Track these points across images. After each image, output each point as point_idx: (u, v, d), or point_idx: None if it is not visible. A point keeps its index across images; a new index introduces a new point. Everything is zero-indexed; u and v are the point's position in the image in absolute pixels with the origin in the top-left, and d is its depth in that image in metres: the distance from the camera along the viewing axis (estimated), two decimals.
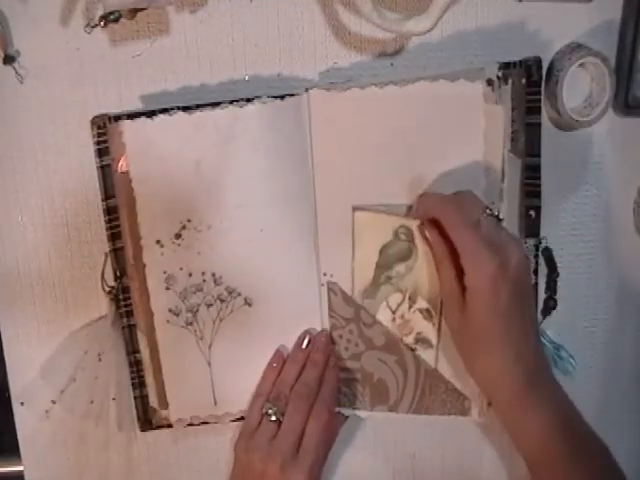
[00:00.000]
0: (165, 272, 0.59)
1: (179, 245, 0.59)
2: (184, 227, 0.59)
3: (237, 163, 0.58)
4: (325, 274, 0.61)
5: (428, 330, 0.61)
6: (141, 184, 0.58)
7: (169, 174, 0.57)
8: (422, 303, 0.60)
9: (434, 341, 0.61)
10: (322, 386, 0.59)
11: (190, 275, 0.60)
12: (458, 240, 0.52)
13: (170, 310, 0.60)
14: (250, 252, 0.59)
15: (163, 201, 0.58)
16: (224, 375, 0.62)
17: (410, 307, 0.60)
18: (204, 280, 0.60)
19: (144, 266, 0.59)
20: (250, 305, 0.61)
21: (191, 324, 0.61)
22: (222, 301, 0.60)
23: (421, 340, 0.61)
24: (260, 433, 0.57)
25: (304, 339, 0.61)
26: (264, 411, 0.58)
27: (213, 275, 0.60)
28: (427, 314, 0.60)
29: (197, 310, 0.60)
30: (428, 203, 0.56)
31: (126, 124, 0.57)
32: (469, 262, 0.52)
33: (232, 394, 0.62)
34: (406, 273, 0.60)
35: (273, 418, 0.57)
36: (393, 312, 0.61)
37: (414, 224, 0.58)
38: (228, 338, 0.61)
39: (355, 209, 0.59)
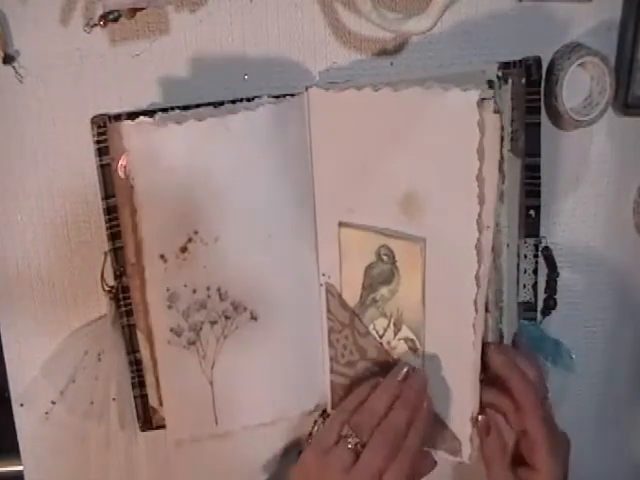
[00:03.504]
0: (168, 289, 0.57)
1: (184, 260, 0.57)
2: (190, 240, 0.56)
3: (242, 166, 0.56)
4: (324, 274, 0.60)
5: (413, 362, 0.57)
6: (144, 191, 0.55)
7: (173, 179, 0.55)
8: (406, 332, 0.57)
9: None
10: (410, 432, 0.54)
11: (194, 292, 0.57)
12: (539, 433, 0.54)
13: (172, 330, 0.58)
14: (258, 260, 0.58)
15: (169, 210, 0.56)
16: (226, 394, 0.60)
17: (395, 334, 0.58)
18: (209, 296, 0.57)
19: (145, 283, 0.57)
20: (256, 319, 0.59)
21: (193, 344, 0.58)
22: (227, 318, 0.58)
23: None
24: (335, 457, 0.54)
25: (402, 370, 0.56)
26: (343, 433, 0.54)
27: (219, 290, 0.58)
28: (412, 344, 0.58)
29: (200, 328, 0.58)
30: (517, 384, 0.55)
31: (126, 124, 0.56)
32: (547, 455, 0.54)
33: (234, 412, 0.60)
34: (390, 297, 0.58)
35: (351, 446, 0.54)
36: (380, 337, 0.59)
37: (395, 244, 0.56)
38: (232, 355, 0.59)
39: (341, 225, 0.58)
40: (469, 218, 0.52)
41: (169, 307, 0.57)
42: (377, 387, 0.56)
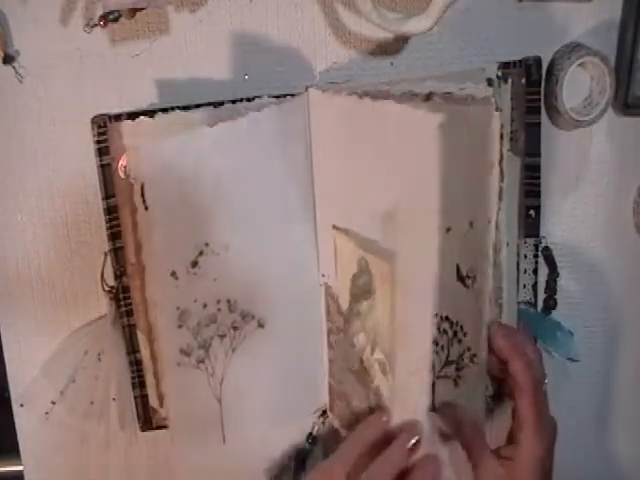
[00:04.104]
0: (178, 308, 0.55)
1: (195, 274, 0.55)
2: (201, 253, 0.55)
3: (248, 167, 0.55)
4: (324, 275, 0.60)
5: (384, 386, 0.55)
6: (149, 196, 0.53)
7: (177, 182, 0.53)
8: (379, 354, 0.55)
9: (387, 401, 0.55)
10: None
11: (205, 306, 0.56)
12: (529, 413, 0.53)
13: (182, 351, 0.56)
14: (264, 264, 0.57)
15: (176, 219, 0.54)
16: (234, 410, 0.59)
17: (372, 353, 0.56)
18: (219, 309, 0.56)
19: (155, 306, 0.55)
20: (263, 327, 0.58)
21: (202, 361, 0.57)
22: (235, 329, 0.57)
23: (378, 395, 0.56)
24: None
25: (411, 439, 0.53)
26: None
27: (228, 302, 0.56)
28: (383, 368, 0.55)
29: (210, 345, 0.57)
30: (516, 363, 0.54)
31: (126, 124, 0.56)
32: (531, 434, 0.53)
33: (242, 428, 0.60)
34: (368, 313, 0.56)
35: None
36: (362, 351, 0.57)
37: (371, 259, 0.54)
38: (240, 368, 0.58)
39: (335, 228, 0.57)
40: (433, 239, 0.49)
41: (179, 327, 0.55)
42: (378, 444, 0.53)
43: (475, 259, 0.54)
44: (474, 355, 0.55)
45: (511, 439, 0.56)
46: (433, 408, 0.55)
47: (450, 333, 0.56)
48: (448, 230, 0.51)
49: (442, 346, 0.56)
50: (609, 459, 0.69)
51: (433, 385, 0.55)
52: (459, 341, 0.56)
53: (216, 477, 0.62)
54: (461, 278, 0.55)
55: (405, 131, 0.49)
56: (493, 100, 0.50)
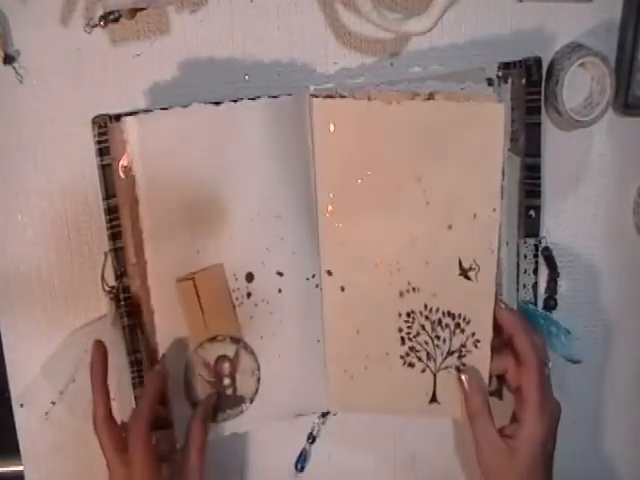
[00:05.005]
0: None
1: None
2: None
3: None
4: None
5: None
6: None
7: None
8: None
9: None
10: None
11: None
12: (533, 389, 0.55)
13: None
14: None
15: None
16: None
17: None
18: None
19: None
20: None
21: None
22: None
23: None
24: None
25: None
26: None
27: None
28: None
29: None
30: (522, 339, 0.56)
31: (128, 120, 0.56)
32: (534, 412, 0.55)
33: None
34: None
35: None
36: None
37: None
38: None
39: None
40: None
41: None
42: None
43: (479, 249, 0.55)
44: (478, 341, 0.57)
45: (514, 420, 0.57)
46: (434, 399, 0.57)
47: (452, 326, 0.58)
48: (450, 227, 0.56)
49: (444, 339, 0.58)
50: (608, 459, 0.69)
51: (435, 376, 0.57)
52: (462, 331, 0.57)
53: (217, 475, 0.62)
54: (463, 271, 0.56)
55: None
56: (496, 95, 0.51)
